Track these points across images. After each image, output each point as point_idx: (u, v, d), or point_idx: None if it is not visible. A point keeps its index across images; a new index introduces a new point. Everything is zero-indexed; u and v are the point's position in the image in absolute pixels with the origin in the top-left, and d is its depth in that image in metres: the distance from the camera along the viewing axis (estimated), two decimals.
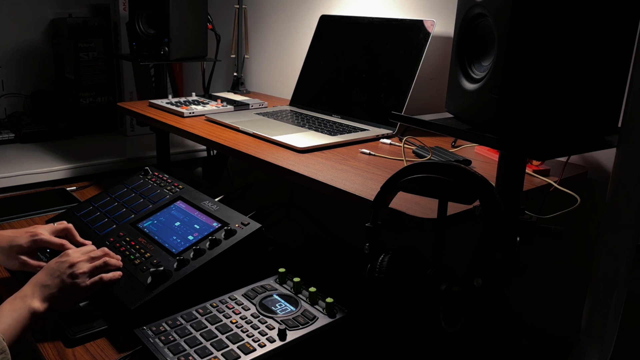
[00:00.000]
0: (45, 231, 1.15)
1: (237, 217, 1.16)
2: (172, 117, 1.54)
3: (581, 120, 0.78)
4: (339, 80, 1.54)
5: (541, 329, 1.23)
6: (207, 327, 0.95)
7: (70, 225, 1.19)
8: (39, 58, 2.27)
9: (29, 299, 0.95)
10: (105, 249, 1.10)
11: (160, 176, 1.41)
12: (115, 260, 1.09)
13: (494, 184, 0.79)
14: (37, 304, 0.95)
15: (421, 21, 1.37)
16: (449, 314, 0.82)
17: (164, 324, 0.96)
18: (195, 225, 1.17)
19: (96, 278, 1.04)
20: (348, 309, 0.99)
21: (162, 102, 1.67)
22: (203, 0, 1.81)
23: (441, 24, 1.37)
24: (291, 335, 0.93)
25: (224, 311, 0.99)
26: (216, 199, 1.26)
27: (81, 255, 1.05)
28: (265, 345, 0.90)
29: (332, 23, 1.62)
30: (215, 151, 2.02)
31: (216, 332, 0.94)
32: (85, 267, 1.03)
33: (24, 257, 1.11)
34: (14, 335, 0.91)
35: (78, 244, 1.16)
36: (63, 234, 1.17)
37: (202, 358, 0.87)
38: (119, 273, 1.07)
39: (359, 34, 1.51)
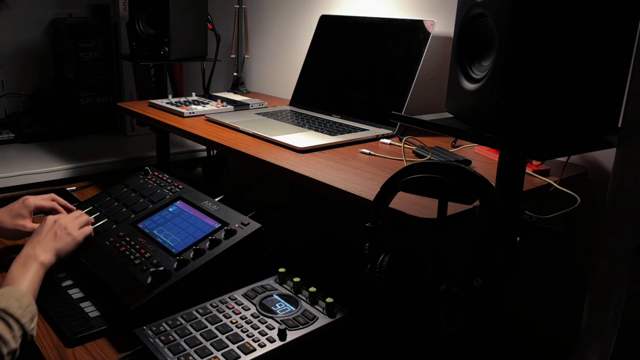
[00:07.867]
0: (34, 198, 1.26)
1: (237, 217, 1.16)
2: (172, 117, 1.54)
3: (581, 120, 0.78)
4: (339, 80, 1.54)
5: (540, 329, 1.23)
6: (207, 327, 0.95)
7: (55, 195, 1.30)
8: (39, 58, 2.27)
9: (35, 258, 1.03)
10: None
11: (160, 176, 1.41)
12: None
13: (494, 184, 0.79)
14: (44, 257, 1.04)
15: (421, 21, 1.37)
16: (449, 314, 0.82)
17: (164, 324, 0.96)
18: (195, 225, 1.17)
19: (85, 228, 1.17)
20: (348, 309, 0.99)
21: (162, 102, 1.67)
22: (203, 0, 1.81)
23: (441, 24, 1.37)
24: (291, 335, 0.93)
25: (224, 311, 0.99)
26: (216, 199, 1.26)
27: (63, 216, 1.17)
28: (265, 345, 0.90)
29: (332, 23, 1.62)
30: (215, 151, 2.02)
31: (216, 332, 0.94)
32: (69, 220, 1.15)
33: (24, 221, 1.21)
34: (35, 292, 0.99)
35: (66, 208, 1.29)
36: (50, 200, 1.28)
37: (202, 358, 0.87)
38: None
39: (359, 34, 1.51)
